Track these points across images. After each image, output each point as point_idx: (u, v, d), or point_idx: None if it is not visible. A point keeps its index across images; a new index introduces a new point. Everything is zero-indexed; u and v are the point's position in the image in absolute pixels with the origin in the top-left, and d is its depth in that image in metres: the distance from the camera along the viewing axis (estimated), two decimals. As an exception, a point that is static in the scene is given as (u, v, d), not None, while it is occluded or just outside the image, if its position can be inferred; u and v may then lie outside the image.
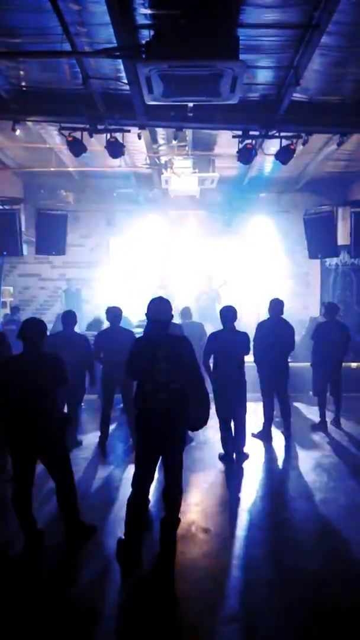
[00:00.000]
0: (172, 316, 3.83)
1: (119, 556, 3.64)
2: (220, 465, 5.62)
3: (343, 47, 5.15)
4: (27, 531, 3.85)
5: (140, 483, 3.68)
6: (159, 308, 3.76)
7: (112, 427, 6.25)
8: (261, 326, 6.54)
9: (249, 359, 5.91)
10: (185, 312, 7.51)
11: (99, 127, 6.68)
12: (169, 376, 3.58)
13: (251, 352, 6.08)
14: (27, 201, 10.41)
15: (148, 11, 4.41)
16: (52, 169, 9.47)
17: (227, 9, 4.33)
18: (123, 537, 3.68)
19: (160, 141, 8.35)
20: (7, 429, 3.73)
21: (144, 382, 3.64)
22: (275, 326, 6.44)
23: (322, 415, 6.99)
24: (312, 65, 5.33)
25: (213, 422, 5.63)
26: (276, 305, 6.54)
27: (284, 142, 7.03)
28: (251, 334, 6.14)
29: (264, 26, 4.72)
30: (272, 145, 7.59)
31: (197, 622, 3.07)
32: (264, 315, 6.92)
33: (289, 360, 6.63)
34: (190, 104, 6.15)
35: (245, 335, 5.75)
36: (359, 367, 8.70)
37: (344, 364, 7.17)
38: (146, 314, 3.79)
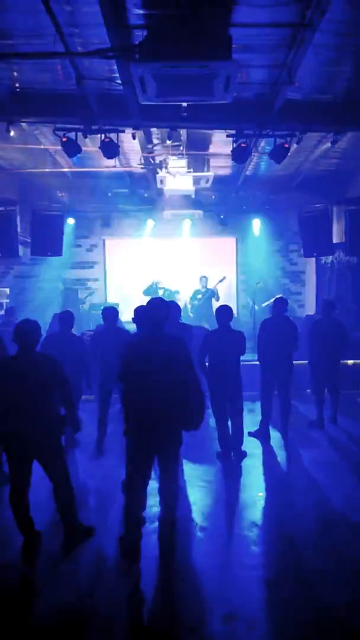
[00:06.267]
0: (167, 317, 3.82)
1: (120, 550, 3.65)
2: (217, 464, 5.64)
3: (336, 46, 5.18)
4: (25, 532, 3.85)
5: (137, 488, 3.65)
6: (156, 308, 3.76)
7: (109, 426, 6.25)
8: (264, 325, 6.55)
9: (244, 357, 5.92)
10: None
11: (93, 127, 6.67)
12: (163, 376, 3.57)
13: (248, 350, 6.09)
14: (23, 202, 10.40)
15: (141, 11, 4.42)
16: (47, 170, 9.46)
17: (220, 9, 4.34)
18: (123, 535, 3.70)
19: (155, 141, 8.34)
20: (2, 430, 3.73)
21: (138, 382, 3.62)
22: (279, 325, 6.45)
23: (320, 413, 7.00)
24: (306, 63, 5.32)
25: (210, 420, 5.66)
26: (280, 304, 6.56)
27: (278, 141, 7.04)
28: (247, 333, 6.15)
29: (256, 25, 4.73)
30: (267, 144, 7.60)
31: (197, 620, 3.08)
32: (260, 313, 6.94)
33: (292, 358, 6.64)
34: (184, 104, 6.15)
35: (240, 334, 5.76)
36: (356, 365, 8.72)
37: (341, 361, 7.19)
38: (144, 315, 3.79)
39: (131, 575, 3.54)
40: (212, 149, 8.79)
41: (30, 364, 3.79)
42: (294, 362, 6.45)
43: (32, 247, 9.70)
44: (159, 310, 3.72)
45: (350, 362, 8.65)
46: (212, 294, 10.87)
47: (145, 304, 3.97)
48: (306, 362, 7.40)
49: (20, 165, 9.58)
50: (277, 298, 6.75)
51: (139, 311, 5.08)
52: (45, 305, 12.15)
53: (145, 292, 10.66)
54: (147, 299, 4.03)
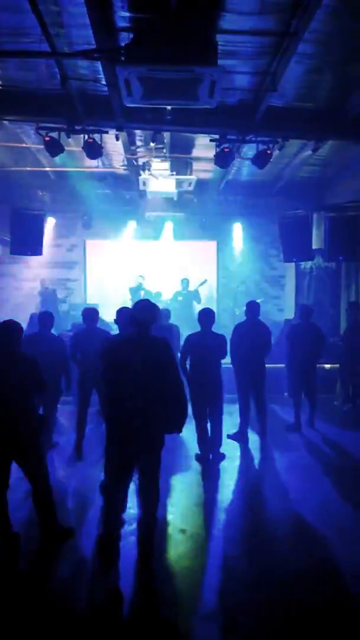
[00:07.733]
0: (153, 319, 3.82)
1: (99, 552, 3.63)
2: (196, 466, 5.66)
3: (319, 55, 5.27)
4: (2, 534, 3.81)
5: (117, 490, 3.63)
6: (141, 309, 3.75)
7: (88, 428, 6.22)
8: (238, 328, 6.61)
9: (225, 360, 5.97)
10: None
11: (77, 127, 6.65)
12: (146, 377, 3.56)
13: (228, 353, 6.14)
14: (3, 201, 10.28)
15: (127, 14, 4.43)
16: (28, 169, 9.38)
17: (206, 15, 4.38)
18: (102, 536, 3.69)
19: (138, 143, 8.36)
20: None
21: (120, 383, 3.60)
22: (252, 328, 6.52)
23: (297, 416, 7.09)
24: (289, 71, 5.41)
25: (189, 423, 5.68)
26: (252, 308, 6.62)
27: (261, 147, 7.11)
28: (228, 336, 6.20)
29: (242, 32, 4.78)
30: (249, 150, 7.68)
31: (175, 621, 3.10)
32: (240, 316, 6.99)
33: (264, 361, 6.71)
34: (169, 107, 6.18)
35: (222, 337, 5.80)
36: (333, 368, 8.85)
37: (318, 365, 7.29)
38: (131, 316, 3.79)
39: (110, 576, 3.53)
40: (195, 153, 8.84)
41: (9, 364, 3.77)
42: (272, 365, 6.51)
43: (12, 245, 9.60)
44: (146, 313, 3.71)
45: (327, 365, 8.77)
46: (194, 296, 10.92)
47: (127, 305, 3.99)
48: (284, 365, 7.48)
49: (1, 164, 9.48)
50: (249, 302, 6.76)
51: (122, 312, 5.08)
52: (23, 305, 12.04)
53: (132, 290, 10.68)
54: (131, 298, 4.04)
